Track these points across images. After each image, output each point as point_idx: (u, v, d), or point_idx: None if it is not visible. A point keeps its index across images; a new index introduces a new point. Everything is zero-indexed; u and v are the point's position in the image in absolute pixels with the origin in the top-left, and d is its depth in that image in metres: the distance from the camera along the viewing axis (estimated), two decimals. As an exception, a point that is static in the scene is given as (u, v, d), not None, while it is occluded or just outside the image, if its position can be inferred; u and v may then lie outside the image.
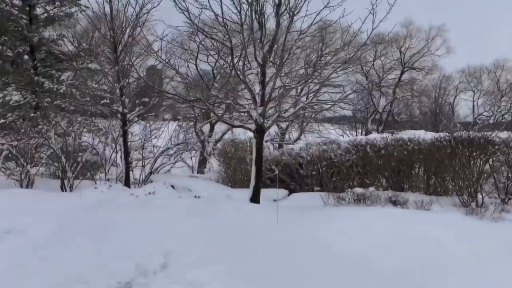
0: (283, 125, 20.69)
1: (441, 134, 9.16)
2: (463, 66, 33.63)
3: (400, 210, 6.78)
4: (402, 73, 30.52)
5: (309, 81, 9.00)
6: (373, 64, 29.20)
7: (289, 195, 10.20)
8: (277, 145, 18.55)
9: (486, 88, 32.30)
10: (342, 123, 30.10)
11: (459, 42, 42.15)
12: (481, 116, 31.70)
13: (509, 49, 50.06)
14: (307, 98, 10.17)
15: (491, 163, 8.10)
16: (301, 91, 13.68)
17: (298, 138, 21.63)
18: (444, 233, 5.46)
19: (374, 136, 10.30)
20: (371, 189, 8.12)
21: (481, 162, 7.95)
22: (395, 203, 7.23)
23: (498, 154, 8.09)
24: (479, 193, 7.81)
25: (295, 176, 10.89)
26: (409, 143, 9.18)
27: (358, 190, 7.89)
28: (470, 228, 5.85)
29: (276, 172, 8.28)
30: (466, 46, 47.62)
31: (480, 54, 53.43)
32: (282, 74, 13.65)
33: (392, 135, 9.91)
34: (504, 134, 8.57)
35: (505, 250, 4.97)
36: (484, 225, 6.02)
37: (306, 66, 11.50)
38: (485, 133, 8.53)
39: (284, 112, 14.33)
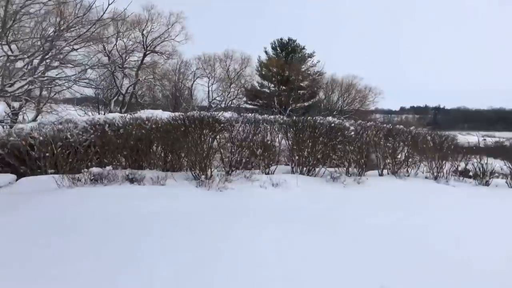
0: (16, 104, 17.81)
1: (177, 113, 9.70)
2: (199, 53, 36.74)
3: (137, 187, 6.86)
4: (145, 55, 30.99)
5: (46, 56, 7.97)
6: (115, 45, 28.48)
7: (17, 179, 8.84)
8: (8, 127, 15.84)
9: (218, 75, 36.34)
10: (85, 105, 28.39)
11: (198, 31, 45.65)
12: (214, 100, 35.54)
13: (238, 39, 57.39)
14: (34, 73, 9.00)
15: (218, 140, 9.11)
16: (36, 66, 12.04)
17: (34, 120, 19.07)
18: (178, 204, 5.90)
19: (113, 115, 10.02)
20: (108, 168, 7.89)
21: (210, 139, 8.84)
22: (132, 180, 7.25)
23: (224, 131, 9.18)
24: (208, 167, 8.67)
25: (26, 159, 9.53)
26: (147, 122, 9.34)
27: (95, 170, 7.54)
28: (198, 197, 6.50)
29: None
30: (204, 35, 51.93)
31: (215, 43, 59.43)
32: (3, 43, 11.57)
33: (131, 115, 9.86)
34: (228, 114, 9.78)
35: (213, 209, 5.75)
36: (210, 194, 6.79)
37: (41, 40, 10.16)
38: (213, 112, 9.51)
39: (10, 86, 12.23)
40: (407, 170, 9.42)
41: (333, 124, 9.39)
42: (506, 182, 9.50)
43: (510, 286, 4.17)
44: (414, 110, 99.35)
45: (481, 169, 9.56)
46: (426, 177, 9.34)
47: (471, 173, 9.84)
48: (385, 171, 9.36)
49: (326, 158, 9.39)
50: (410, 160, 9.61)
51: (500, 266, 4.55)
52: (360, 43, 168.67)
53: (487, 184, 9.41)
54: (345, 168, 9.17)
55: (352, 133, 9.48)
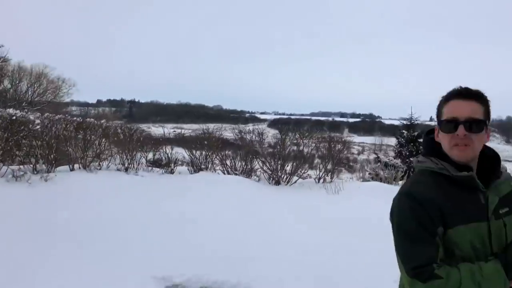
0: None
1: None
2: None
3: None
4: None
5: None
6: None
7: None
8: None
9: None
10: None
11: None
12: None
13: None
14: None
15: None
16: None
17: None
18: None
19: None
20: None
21: None
22: None
23: None
24: None
25: None
26: None
27: None
28: None
29: None
30: None
31: None
32: None
33: None
34: None
35: None
36: None
37: None
38: None
39: None
40: (99, 164, 9.44)
41: (14, 117, 8.38)
42: (188, 169, 10.92)
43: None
44: (111, 103, 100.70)
45: (167, 158, 10.61)
46: (118, 169, 9.63)
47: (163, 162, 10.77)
48: (76, 166, 9.09)
49: (8, 155, 8.31)
50: (101, 154, 9.66)
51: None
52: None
53: (172, 172, 10.55)
54: (31, 165, 8.36)
55: (38, 126, 8.73)
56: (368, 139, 72.36)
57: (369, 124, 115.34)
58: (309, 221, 6.35)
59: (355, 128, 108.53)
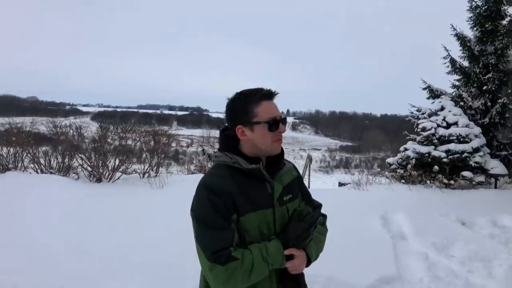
0: None
1: None
2: None
3: None
4: None
5: None
6: None
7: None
8: None
9: None
10: None
11: None
12: None
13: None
14: None
15: None
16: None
17: None
18: None
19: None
20: None
21: None
22: None
23: None
24: None
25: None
26: None
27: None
28: None
29: None
30: None
31: None
32: None
33: None
34: None
35: None
36: None
37: None
38: None
39: None
40: None
41: None
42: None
43: None
44: None
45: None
46: None
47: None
48: None
49: None
50: None
51: None
52: None
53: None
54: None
55: None
56: (197, 132, 74.06)
57: (197, 117, 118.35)
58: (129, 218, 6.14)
59: (183, 121, 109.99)
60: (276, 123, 1.69)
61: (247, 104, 1.68)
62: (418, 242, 5.76)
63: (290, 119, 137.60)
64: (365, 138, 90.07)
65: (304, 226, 1.68)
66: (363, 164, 60.19)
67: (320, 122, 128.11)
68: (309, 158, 11.58)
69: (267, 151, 1.72)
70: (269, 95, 1.71)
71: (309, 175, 11.58)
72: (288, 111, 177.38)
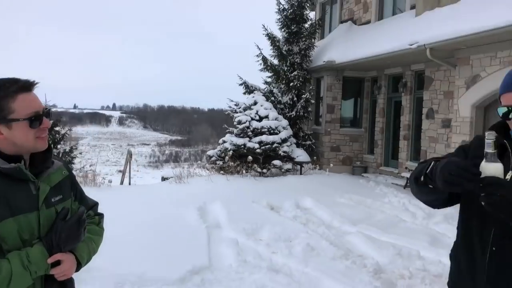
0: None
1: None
2: None
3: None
4: None
5: None
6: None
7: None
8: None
9: None
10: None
11: None
12: None
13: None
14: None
15: None
16: None
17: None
18: None
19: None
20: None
21: None
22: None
23: None
24: None
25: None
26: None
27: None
28: None
29: None
30: None
31: None
32: None
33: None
34: None
35: None
36: None
37: None
38: None
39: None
40: None
41: None
42: None
43: None
44: None
45: None
46: None
47: None
48: None
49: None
50: None
51: None
52: None
53: None
54: None
55: None
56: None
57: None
58: None
59: None
60: (38, 118, 1.47)
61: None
62: (231, 230, 6.02)
63: (117, 114, 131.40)
64: (194, 132, 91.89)
65: (71, 226, 1.50)
66: (192, 157, 61.36)
67: (149, 117, 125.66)
68: (129, 154, 11.08)
69: (30, 149, 1.51)
70: (27, 86, 1.46)
71: (129, 171, 11.07)
72: (114, 104, 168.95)
